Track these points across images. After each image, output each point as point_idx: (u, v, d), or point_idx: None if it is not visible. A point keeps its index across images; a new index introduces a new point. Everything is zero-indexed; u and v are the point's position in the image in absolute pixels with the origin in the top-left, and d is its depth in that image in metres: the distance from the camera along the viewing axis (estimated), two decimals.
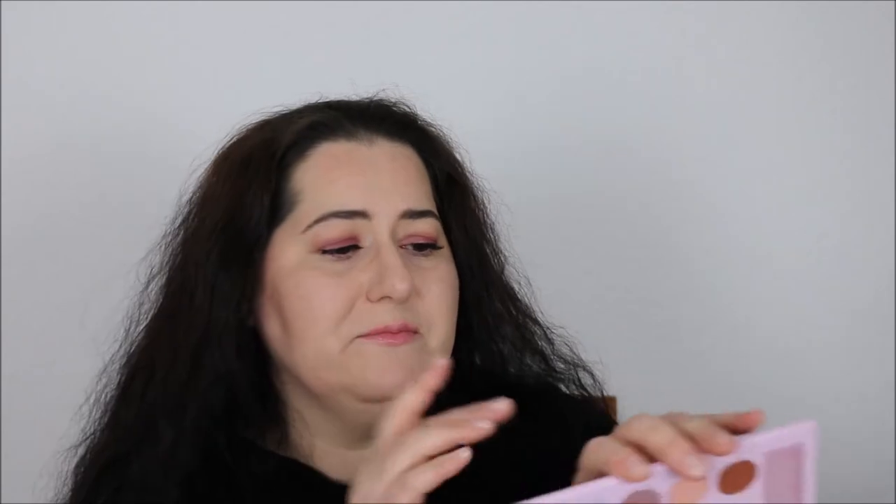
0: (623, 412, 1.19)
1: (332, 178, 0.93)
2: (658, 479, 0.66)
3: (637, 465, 0.64)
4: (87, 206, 1.40)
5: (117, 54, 1.41)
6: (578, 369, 1.03)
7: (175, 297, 0.96)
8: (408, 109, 1.00)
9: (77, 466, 0.99)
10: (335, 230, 0.91)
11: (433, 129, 1.00)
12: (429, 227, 0.94)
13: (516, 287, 1.03)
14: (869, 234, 1.51)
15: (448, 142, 1.01)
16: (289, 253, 0.92)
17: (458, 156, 1.01)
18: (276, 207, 0.93)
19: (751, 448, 0.66)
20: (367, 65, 1.40)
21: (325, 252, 0.91)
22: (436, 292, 0.93)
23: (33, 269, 1.40)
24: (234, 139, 0.99)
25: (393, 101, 1.00)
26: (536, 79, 1.47)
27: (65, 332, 1.38)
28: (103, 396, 1.00)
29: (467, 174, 1.02)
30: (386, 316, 0.90)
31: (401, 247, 0.92)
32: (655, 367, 1.47)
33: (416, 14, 1.44)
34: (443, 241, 0.96)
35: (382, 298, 0.90)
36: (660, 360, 1.49)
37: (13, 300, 1.39)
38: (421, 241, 0.94)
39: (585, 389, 1.04)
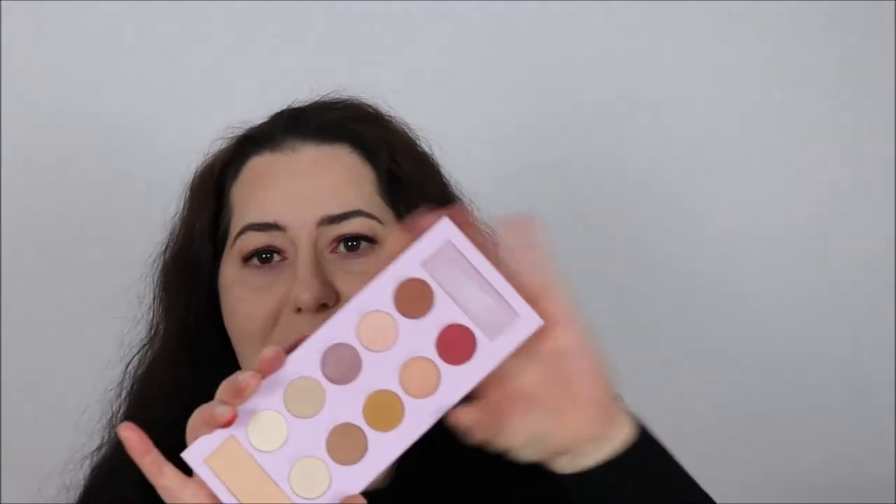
0: None
1: (252, 192, 0.93)
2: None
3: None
4: (87, 206, 1.40)
5: (117, 54, 1.41)
6: None
7: (147, 320, 1.02)
8: (351, 108, 0.98)
9: (85, 479, 1.02)
10: (253, 242, 0.91)
11: (379, 127, 0.97)
12: (357, 228, 0.91)
13: None
14: (869, 234, 1.50)
15: (397, 136, 0.98)
16: (227, 270, 0.94)
17: (415, 149, 0.99)
18: (219, 227, 0.96)
19: (408, 265, 0.68)
20: (365, 65, 1.40)
21: (248, 266, 0.92)
22: None
23: (33, 269, 1.40)
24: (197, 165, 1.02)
25: (340, 99, 0.99)
26: (535, 78, 1.47)
27: (65, 332, 1.38)
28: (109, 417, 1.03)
29: (420, 167, 0.98)
30: (301, 327, 0.85)
31: (332, 252, 0.90)
32: (655, 368, 1.47)
33: (415, 14, 1.44)
34: (385, 237, 0.91)
35: (299, 309, 0.88)
36: (659, 360, 1.48)
37: (13, 300, 1.39)
38: (349, 241, 0.91)
39: None
